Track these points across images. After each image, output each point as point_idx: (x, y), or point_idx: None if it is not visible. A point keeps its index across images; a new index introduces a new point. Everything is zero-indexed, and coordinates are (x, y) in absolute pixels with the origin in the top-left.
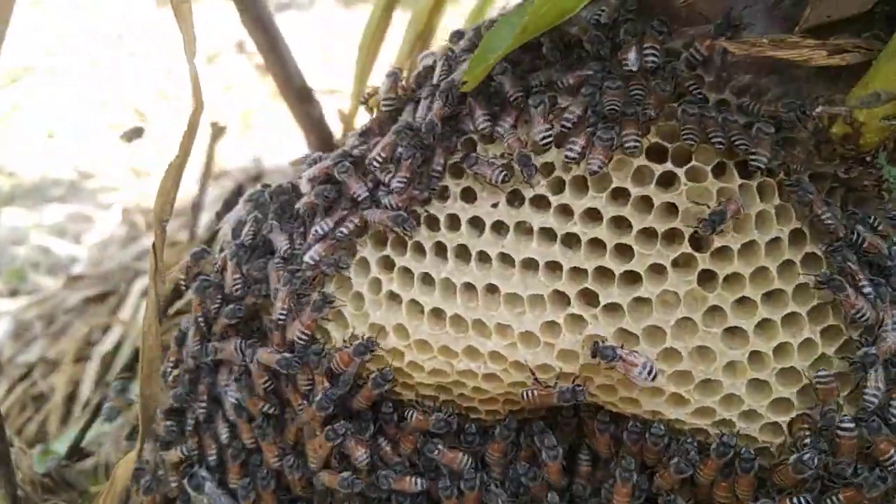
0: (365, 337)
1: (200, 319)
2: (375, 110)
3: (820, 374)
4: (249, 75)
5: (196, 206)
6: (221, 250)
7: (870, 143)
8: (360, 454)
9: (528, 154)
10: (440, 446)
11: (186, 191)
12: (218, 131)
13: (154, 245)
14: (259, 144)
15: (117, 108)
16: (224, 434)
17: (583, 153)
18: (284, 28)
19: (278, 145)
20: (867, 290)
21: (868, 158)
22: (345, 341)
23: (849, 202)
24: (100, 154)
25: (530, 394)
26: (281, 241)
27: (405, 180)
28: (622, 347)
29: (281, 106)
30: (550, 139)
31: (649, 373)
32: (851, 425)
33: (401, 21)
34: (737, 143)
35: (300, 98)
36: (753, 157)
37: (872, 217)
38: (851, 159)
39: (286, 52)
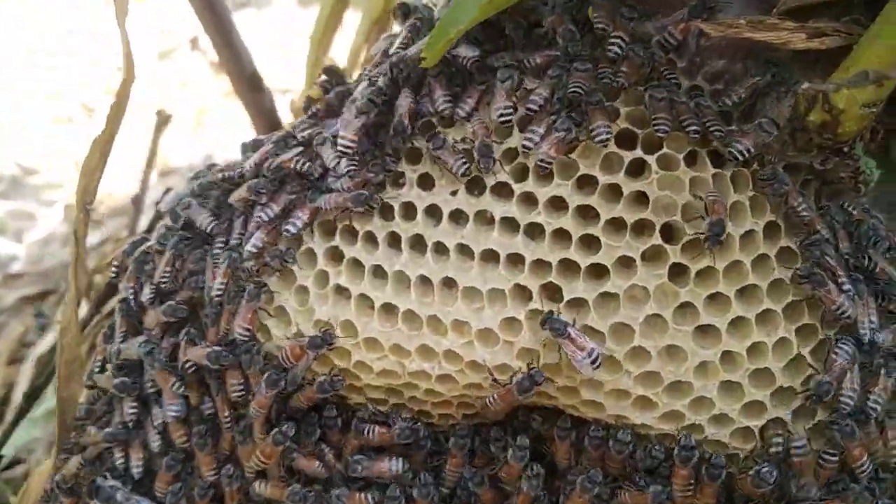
0: (321, 330)
1: (126, 312)
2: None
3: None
4: (204, 72)
5: (137, 200)
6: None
7: (848, 133)
8: (315, 466)
9: (490, 144)
10: (364, 462)
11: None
12: (163, 120)
13: (75, 232)
14: (212, 142)
15: (63, 102)
16: (156, 442)
17: (534, 149)
18: (242, 26)
19: (232, 143)
20: (847, 286)
21: (845, 149)
22: (288, 338)
23: (822, 195)
24: (44, 150)
25: (494, 398)
26: (203, 219)
27: (356, 163)
28: (575, 326)
29: (236, 104)
30: (510, 119)
31: (593, 361)
32: (804, 444)
33: (356, 12)
34: (712, 129)
35: (251, 86)
36: (734, 145)
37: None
38: (828, 150)
39: (236, 36)
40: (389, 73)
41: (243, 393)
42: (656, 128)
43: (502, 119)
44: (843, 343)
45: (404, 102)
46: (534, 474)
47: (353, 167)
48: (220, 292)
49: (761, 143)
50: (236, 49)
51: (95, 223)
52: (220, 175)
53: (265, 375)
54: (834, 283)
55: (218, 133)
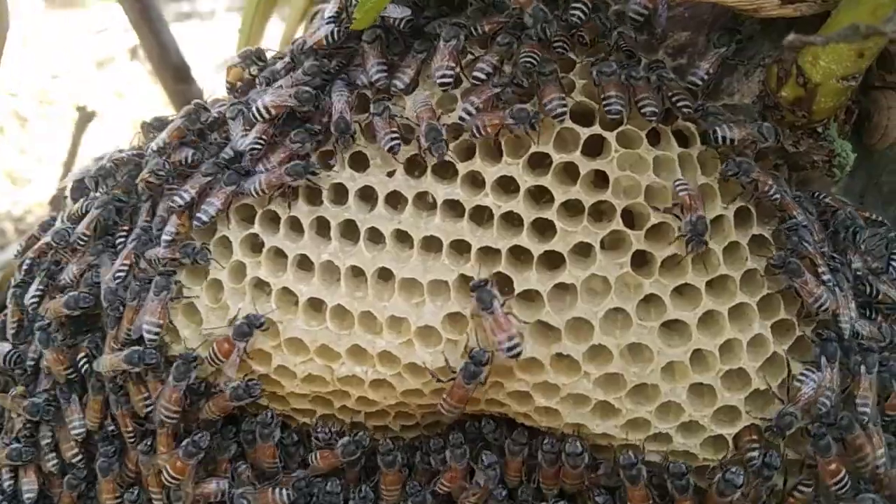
0: (252, 314)
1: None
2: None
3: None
4: (143, 82)
5: (55, 200)
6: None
7: (823, 110)
8: (213, 486)
9: (439, 128)
10: (248, 496)
11: None
12: (86, 117)
13: None
14: None
15: None
16: (51, 462)
17: (469, 120)
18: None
19: None
20: (826, 276)
21: (819, 130)
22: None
23: (791, 182)
24: None
25: (445, 401)
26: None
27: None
28: (504, 304)
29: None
30: (450, 81)
31: (510, 349)
32: (739, 479)
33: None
34: (680, 105)
35: (177, 77)
36: (718, 129)
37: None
38: (801, 130)
39: (162, 25)
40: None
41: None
42: (607, 107)
43: (442, 81)
44: (809, 370)
45: (339, 99)
46: (487, 465)
47: (257, 145)
48: (119, 277)
49: (748, 141)
50: (162, 39)
51: (21, 234)
52: (123, 156)
53: (174, 365)
54: (812, 272)
55: None
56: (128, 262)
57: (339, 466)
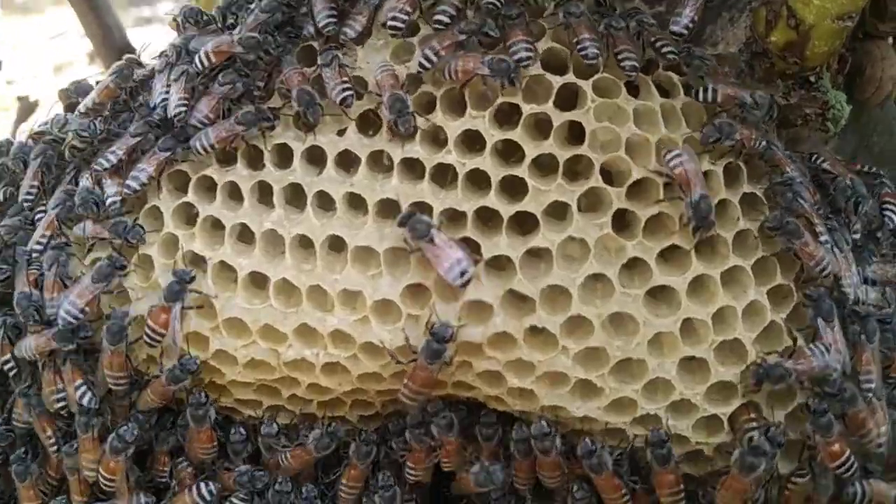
0: (177, 268)
1: None
2: None
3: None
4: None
5: None
6: None
7: (817, 55)
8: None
9: (404, 97)
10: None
11: None
12: (27, 107)
13: None
14: None
15: None
16: None
17: (440, 61)
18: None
19: None
20: (824, 237)
21: (812, 79)
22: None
23: (782, 140)
24: None
25: (407, 385)
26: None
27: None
28: (441, 229)
29: None
30: (400, 26)
31: (461, 274)
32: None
33: None
34: (665, 52)
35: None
36: (707, 86)
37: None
38: (792, 79)
39: (104, 6)
40: None
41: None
42: (582, 52)
43: (393, 24)
44: (815, 346)
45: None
46: (445, 423)
47: (182, 104)
48: (40, 247)
49: (733, 102)
50: (104, 20)
51: None
52: (43, 128)
53: (105, 327)
54: (810, 232)
55: None
56: (49, 231)
57: (314, 463)
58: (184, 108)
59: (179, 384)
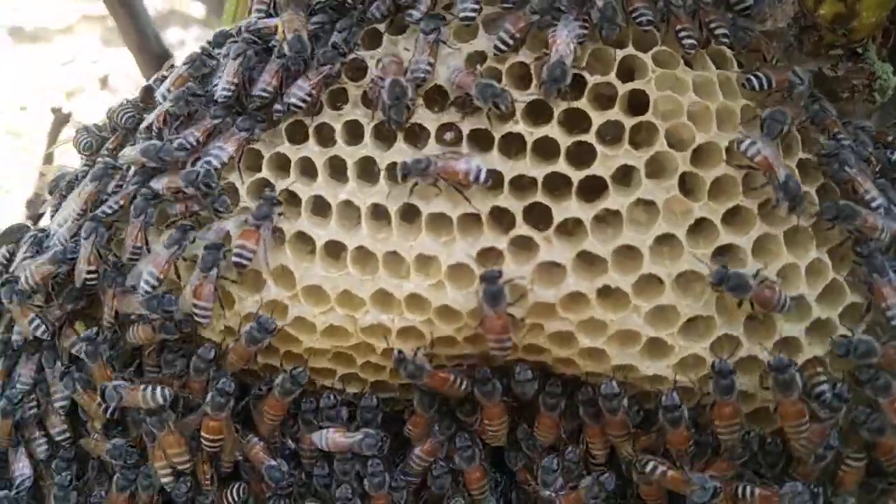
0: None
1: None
2: None
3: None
4: None
5: (32, 203)
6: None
7: (864, 27)
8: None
9: (491, 83)
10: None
11: None
12: (61, 119)
13: None
14: None
15: None
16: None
17: (515, 42)
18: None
19: None
20: (877, 201)
21: (859, 51)
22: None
23: None
24: None
25: (490, 341)
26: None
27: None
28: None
29: None
30: (472, 18)
31: (478, 175)
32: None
33: None
34: (718, 33)
35: (159, 65)
36: (754, 76)
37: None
38: (840, 50)
39: (142, 11)
40: None
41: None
42: (637, 18)
43: (465, 16)
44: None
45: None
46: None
47: (228, 93)
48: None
49: (784, 85)
50: (142, 26)
51: None
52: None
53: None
54: (863, 203)
55: None
56: (140, 240)
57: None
58: (228, 96)
59: (258, 344)
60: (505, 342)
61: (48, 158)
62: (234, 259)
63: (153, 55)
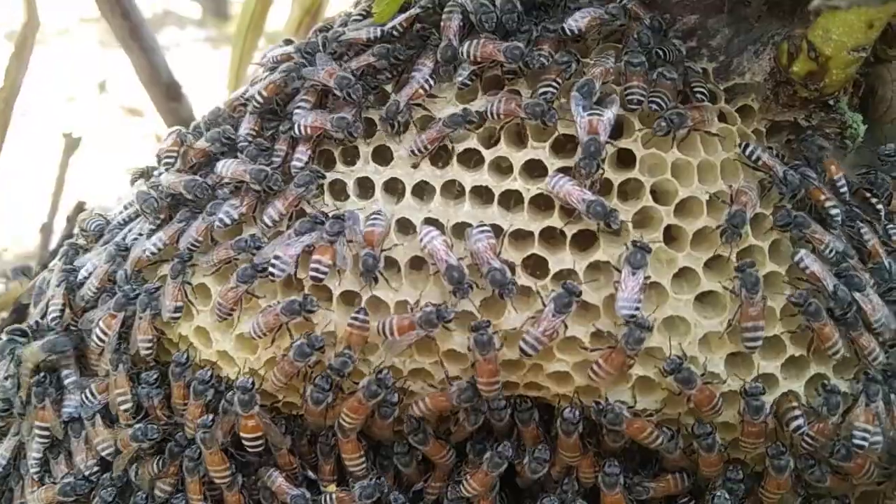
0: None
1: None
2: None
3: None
4: (114, 115)
5: (46, 228)
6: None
7: (835, 82)
8: None
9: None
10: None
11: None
12: (72, 143)
13: None
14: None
15: None
16: None
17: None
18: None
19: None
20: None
21: (831, 102)
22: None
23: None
24: None
25: (480, 383)
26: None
27: None
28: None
29: (148, 146)
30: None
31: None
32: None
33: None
34: (695, 90)
35: (168, 94)
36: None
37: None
38: (813, 104)
39: (152, 42)
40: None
41: None
42: (629, 96)
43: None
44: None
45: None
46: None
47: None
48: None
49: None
50: (152, 58)
51: None
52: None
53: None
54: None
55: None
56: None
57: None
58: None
59: (307, 359)
60: (493, 386)
61: (59, 184)
62: (311, 273)
63: (162, 84)
